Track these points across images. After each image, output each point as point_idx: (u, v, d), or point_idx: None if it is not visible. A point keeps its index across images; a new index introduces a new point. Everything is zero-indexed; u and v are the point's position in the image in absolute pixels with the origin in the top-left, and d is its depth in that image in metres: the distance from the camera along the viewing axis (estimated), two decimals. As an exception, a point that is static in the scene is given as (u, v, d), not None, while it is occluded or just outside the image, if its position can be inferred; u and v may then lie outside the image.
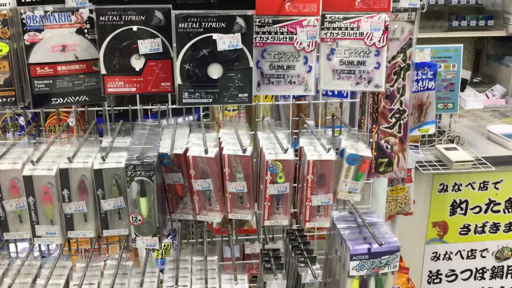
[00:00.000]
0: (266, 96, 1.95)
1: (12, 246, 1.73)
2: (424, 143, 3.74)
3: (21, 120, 1.85)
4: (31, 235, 1.45)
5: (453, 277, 3.97)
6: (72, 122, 1.65)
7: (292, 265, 1.67)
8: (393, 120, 1.57)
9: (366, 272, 1.56)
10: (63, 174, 1.39)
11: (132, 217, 1.43)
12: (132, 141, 1.49)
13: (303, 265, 1.62)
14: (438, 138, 3.80)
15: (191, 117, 1.80)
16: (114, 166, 1.40)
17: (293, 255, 1.66)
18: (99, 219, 1.46)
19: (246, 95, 1.48)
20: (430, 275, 3.95)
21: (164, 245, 2.22)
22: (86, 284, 1.53)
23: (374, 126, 1.54)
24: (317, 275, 1.56)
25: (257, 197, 1.59)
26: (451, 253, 3.84)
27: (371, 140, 1.50)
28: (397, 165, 1.59)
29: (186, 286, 1.54)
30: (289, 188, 1.48)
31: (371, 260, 1.55)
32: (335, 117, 1.63)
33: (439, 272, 3.97)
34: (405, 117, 1.56)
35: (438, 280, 4.02)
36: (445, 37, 4.62)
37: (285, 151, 1.40)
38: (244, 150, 1.40)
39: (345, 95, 1.82)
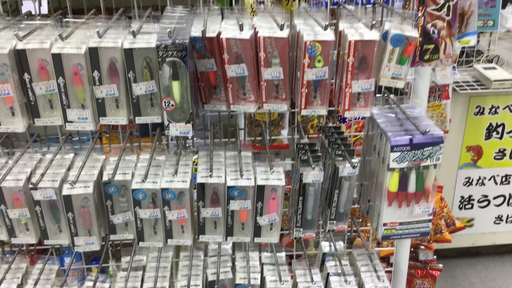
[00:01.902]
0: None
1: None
2: (461, 64, 3.59)
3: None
4: (62, 121, 1.41)
5: (486, 202, 3.91)
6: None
7: (328, 160, 1.61)
8: (442, 1, 1.44)
9: (407, 165, 1.50)
10: (93, 53, 1.33)
11: (165, 102, 1.38)
12: (162, 23, 1.41)
13: (341, 158, 1.56)
14: (476, 58, 3.64)
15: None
16: (145, 46, 1.34)
17: (329, 150, 1.60)
18: (131, 105, 1.41)
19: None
20: (462, 200, 3.90)
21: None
22: (119, 174, 1.50)
23: (420, 8, 1.43)
24: (355, 165, 1.50)
25: (293, 88, 1.51)
26: (485, 178, 3.76)
27: (419, 16, 1.39)
28: (443, 52, 1.48)
29: (221, 176, 1.50)
30: (328, 73, 1.40)
31: (413, 151, 1.48)
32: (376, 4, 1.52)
33: (471, 198, 3.91)
34: (454, -2, 1.44)
35: (469, 206, 3.97)
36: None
37: (325, 27, 1.30)
38: (282, 27, 1.31)
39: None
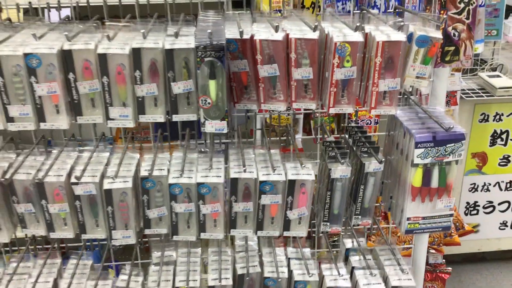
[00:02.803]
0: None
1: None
2: (466, 72, 3.68)
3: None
4: (104, 119, 1.49)
5: (491, 208, 3.98)
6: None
7: (353, 158, 1.68)
8: (462, 5, 1.53)
9: (431, 160, 1.57)
10: (136, 53, 1.40)
11: (202, 100, 1.45)
12: (199, 27, 1.49)
13: (366, 155, 1.63)
14: (481, 66, 3.73)
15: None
16: (184, 47, 1.41)
17: (354, 148, 1.68)
18: (169, 103, 1.49)
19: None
20: (468, 206, 3.96)
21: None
22: (156, 170, 1.57)
23: (442, 11, 1.52)
24: (382, 160, 1.57)
25: (321, 88, 1.59)
26: (489, 184, 3.83)
27: (444, 18, 1.47)
28: (463, 54, 1.57)
29: (253, 172, 1.57)
30: (356, 73, 1.48)
31: (436, 148, 1.56)
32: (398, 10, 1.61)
33: (477, 204, 3.97)
34: (473, 2, 1.52)
35: (475, 212, 4.03)
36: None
37: (356, 29, 1.39)
38: (315, 28, 1.40)
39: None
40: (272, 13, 2.10)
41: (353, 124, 1.79)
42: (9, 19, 1.61)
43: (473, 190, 3.95)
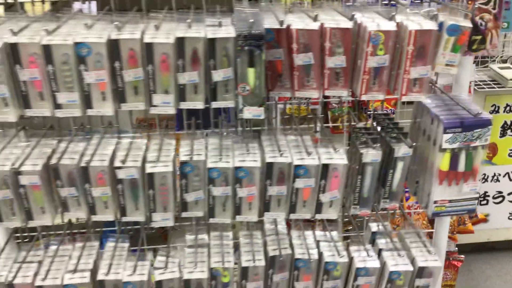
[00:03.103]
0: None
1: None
2: (477, 64, 3.74)
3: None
4: (146, 105, 1.55)
5: (500, 198, 4.04)
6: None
7: (381, 144, 1.75)
8: (489, -5, 1.60)
9: (458, 145, 1.64)
10: (179, 42, 1.47)
11: (241, 87, 1.52)
12: (237, 17, 1.56)
13: (395, 140, 1.70)
14: (491, 58, 3.79)
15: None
16: (225, 36, 1.48)
17: (383, 134, 1.74)
18: (209, 90, 1.55)
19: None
20: (478, 196, 4.01)
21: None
22: (195, 155, 1.64)
23: (469, 2, 1.58)
24: (412, 145, 1.64)
25: (352, 76, 1.65)
26: (499, 174, 3.89)
27: (474, 7, 1.54)
28: (490, 43, 1.63)
29: (287, 156, 1.64)
30: (388, 61, 1.54)
31: (464, 133, 1.62)
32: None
33: (487, 194, 4.04)
34: (500, -7, 1.59)
35: (485, 202, 4.09)
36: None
37: (390, 18, 1.45)
38: (352, 17, 1.46)
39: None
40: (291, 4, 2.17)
41: (379, 112, 1.85)
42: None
43: (483, 180, 4.01)
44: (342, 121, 2.28)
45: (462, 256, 3.34)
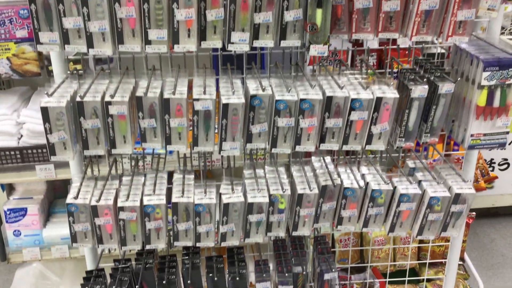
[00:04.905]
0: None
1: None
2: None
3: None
4: (226, 43, 1.76)
5: (505, 165, 4.30)
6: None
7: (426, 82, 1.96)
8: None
9: (495, 83, 1.87)
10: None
11: (309, 26, 1.73)
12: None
13: (438, 79, 1.92)
14: (501, 31, 4.03)
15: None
16: (299, -21, 1.69)
17: (426, 75, 1.96)
18: (279, 30, 1.76)
19: None
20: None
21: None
22: (264, 90, 1.85)
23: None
24: (456, 81, 1.86)
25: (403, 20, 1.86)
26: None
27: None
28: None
29: (345, 91, 1.85)
30: (439, 4, 1.76)
31: (501, 71, 1.85)
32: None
33: (493, 161, 4.28)
34: None
35: (491, 168, 4.34)
36: None
37: (444, -35, 1.67)
38: (411, -37, 1.68)
39: None
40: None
41: (421, 57, 2.08)
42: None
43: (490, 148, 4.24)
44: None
45: (474, 212, 3.56)
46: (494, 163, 4.30)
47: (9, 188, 3.19)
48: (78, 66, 2.27)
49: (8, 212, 3.02)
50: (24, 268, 3.37)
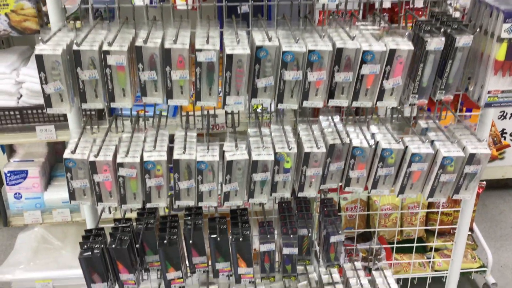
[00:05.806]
0: None
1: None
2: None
3: None
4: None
5: (516, 136, 4.19)
6: None
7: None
8: None
9: (516, 33, 1.76)
10: None
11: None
12: None
13: (455, 32, 1.81)
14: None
15: None
16: None
17: (442, 28, 1.85)
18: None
19: None
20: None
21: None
22: (269, 41, 1.75)
23: None
24: (475, 32, 1.76)
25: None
26: (518, 112, 4.02)
27: None
28: None
29: (356, 43, 1.75)
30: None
31: (522, 22, 1.74)
32: None
33: (504, 131, 4.18)
34: None
35: (503, 138, 4.24)
36: None
37: None
38: None
39: None
40: None
41: (437, 10, 1.96)
42: None
43: (502, 118, 4.15)
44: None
45: (484, 182, 3.49)
46: (506, 133, 4.21)
47: (10, 151, 3.14)
48: (78, 24, 2.18)
49: (8, 175, 2.97)
50: (26, 232, 3.34)
